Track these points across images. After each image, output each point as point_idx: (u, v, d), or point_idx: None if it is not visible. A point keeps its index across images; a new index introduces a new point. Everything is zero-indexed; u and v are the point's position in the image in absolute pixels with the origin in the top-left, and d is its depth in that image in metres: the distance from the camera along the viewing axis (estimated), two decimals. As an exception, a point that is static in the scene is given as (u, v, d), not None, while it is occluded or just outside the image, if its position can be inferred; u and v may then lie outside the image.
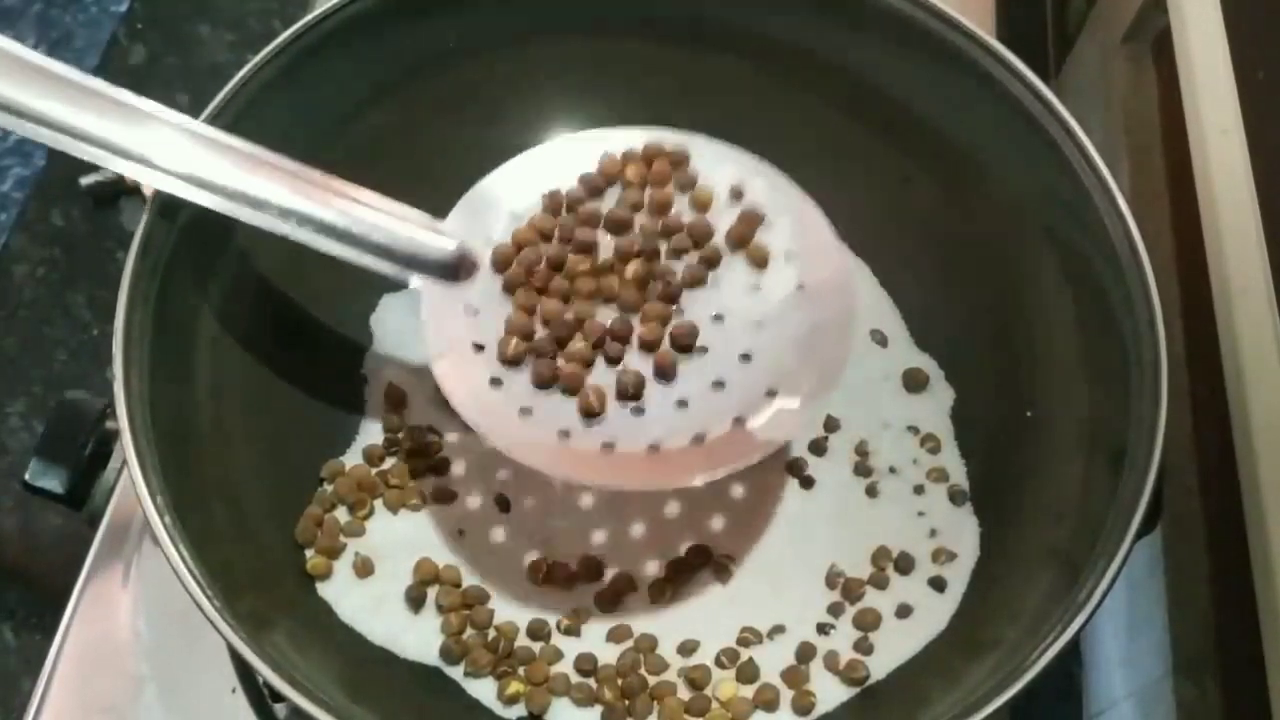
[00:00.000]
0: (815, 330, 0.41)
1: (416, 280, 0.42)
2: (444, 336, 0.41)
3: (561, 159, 0.44)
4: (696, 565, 0.45)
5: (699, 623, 0.44)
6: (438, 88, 0.49)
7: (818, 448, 0.47)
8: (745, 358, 0.41)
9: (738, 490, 0.47)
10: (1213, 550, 0.48)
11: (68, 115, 0.39)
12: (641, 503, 0.46)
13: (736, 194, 0.43)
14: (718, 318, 0.42)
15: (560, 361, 0.41)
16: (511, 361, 0.41)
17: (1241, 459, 0.44)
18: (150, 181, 0.40)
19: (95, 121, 0.39)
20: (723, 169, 0.43)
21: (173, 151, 0.40)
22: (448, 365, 0.41)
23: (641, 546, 0.46)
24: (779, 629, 0.44)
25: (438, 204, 0.42)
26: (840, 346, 0.41)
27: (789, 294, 0.42)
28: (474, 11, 0.48)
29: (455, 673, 0.43)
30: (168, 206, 0.41)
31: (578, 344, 0.41)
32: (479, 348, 0.41)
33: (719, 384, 0.41)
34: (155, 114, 0.40)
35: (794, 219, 0.42)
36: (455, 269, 0.42)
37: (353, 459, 0.47)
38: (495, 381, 0.41)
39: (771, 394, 0.40)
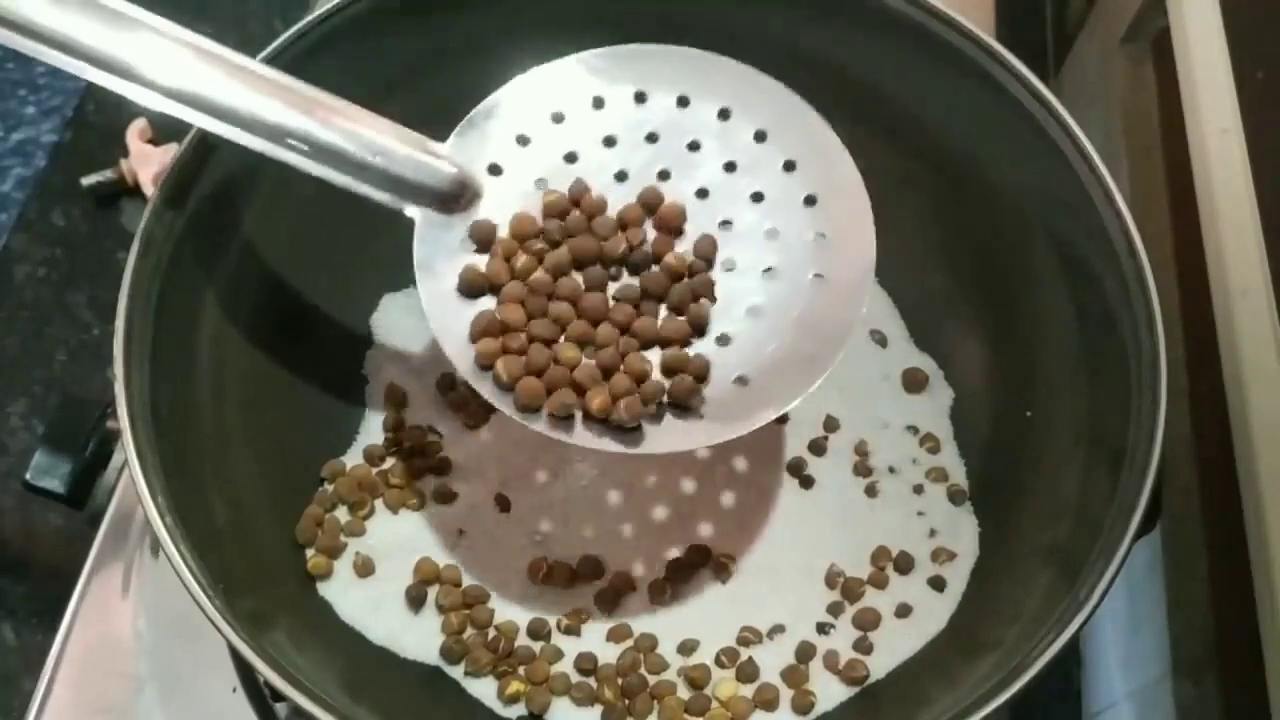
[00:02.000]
0: (829, 285, 0.38)
1: (413, 210, 0.39)
2: (437, 277, 0.39)
3: (563, 80, 0.41)
4: (696, 565, 0.45)
5: (699, 623, 0.44)
6: (439, 88, 0.49)
7: (817, 448, 0.47)
8: (754, 311, 0.39)
9: (738, 490, 0.47)
10: (1212, 550, 0.48)
11: (53, 22, 0.36)
12: (643, 500, 0.46)
13: (760, 135, 0.40)
14: (729, 267, 0.39)
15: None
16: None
17: (1241, 459, 0.44)
18: (137, 98, 0.37)
19: (81, 28, 0.36)
20: (750, 98, 0.40)
21: (162, 63, 0.37)
22: (438, 308, 0.39)
23: (642, 546, 0.46)
24: (779, 629, 0.44)
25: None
26: (852, 307, 0.38)
27: (807, 243, 0.39)
28: (474, 11, 0.48)
29: (455, 672, 0.43)
30: (169, 202, 0.41)
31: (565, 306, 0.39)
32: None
33: (723, 339, 0.39)
34: (147, 22, 0.37)
35: (816, 158, 0.39)
36: (455, 196, 0.39)
37: (353, 459, 0.47)
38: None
39: (776, 354, 0.38)
